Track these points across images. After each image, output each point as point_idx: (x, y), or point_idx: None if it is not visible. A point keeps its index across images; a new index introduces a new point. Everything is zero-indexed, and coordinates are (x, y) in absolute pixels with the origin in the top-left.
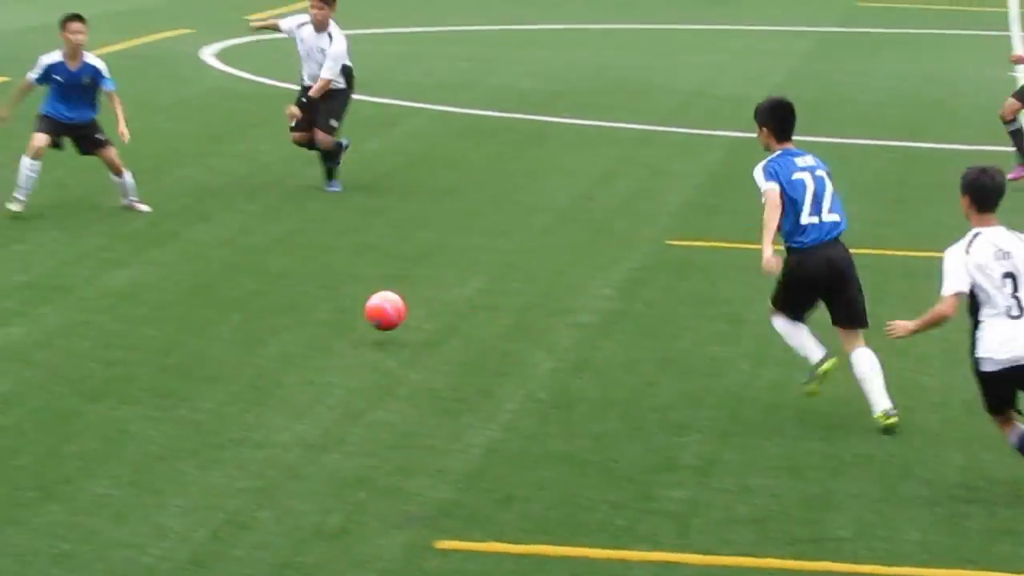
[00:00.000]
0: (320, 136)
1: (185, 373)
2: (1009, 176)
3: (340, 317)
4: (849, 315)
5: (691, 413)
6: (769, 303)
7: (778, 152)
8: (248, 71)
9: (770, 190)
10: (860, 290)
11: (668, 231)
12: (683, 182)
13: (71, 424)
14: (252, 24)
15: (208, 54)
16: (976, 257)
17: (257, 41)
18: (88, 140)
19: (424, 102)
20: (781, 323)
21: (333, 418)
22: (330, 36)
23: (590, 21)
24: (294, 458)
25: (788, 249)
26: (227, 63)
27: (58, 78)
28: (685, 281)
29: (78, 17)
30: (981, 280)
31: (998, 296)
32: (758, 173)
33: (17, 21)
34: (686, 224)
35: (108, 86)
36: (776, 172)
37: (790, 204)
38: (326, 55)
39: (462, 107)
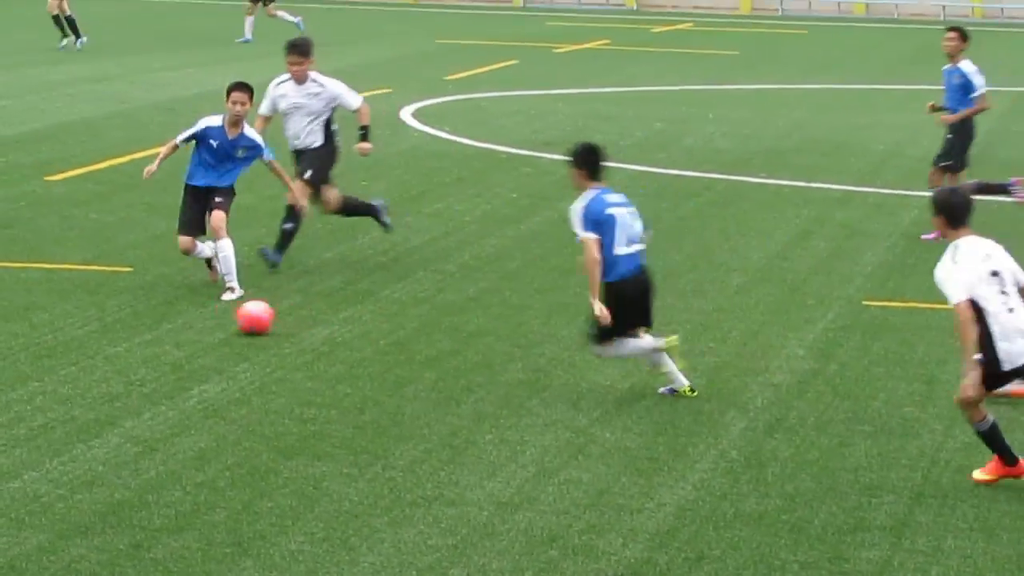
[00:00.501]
0: (297, 186)
1: (380, 430)
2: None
3: (534, 376)
4: (649, 320)
5: (884, 474)
6: (594, 344)
7: (591, 191)
8: (445, 130)
9: (588, 239)
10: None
11: (863, 291)
12: (878, 242)
13: (266, 480)
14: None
15: (406, 113)
16: None
17: (455, 100)
18: (213, 201)
19: (619, 162)
20: (613, 348)
21: (526, 476)
22: (316, 82)
23: (785, 81)
24: (487, 516)
25: (607, 284)
26: (425, 122)
27: (213, 142)
28: (879, 341)
29: (241, 87)
30: None
31: None
32: (576, 217)
33: (219, 81)
34: (881, 284)
35: (267, 156)
36: (593, 218)
37: (604, 239)
38: (321, 98)
39: (657, 167)
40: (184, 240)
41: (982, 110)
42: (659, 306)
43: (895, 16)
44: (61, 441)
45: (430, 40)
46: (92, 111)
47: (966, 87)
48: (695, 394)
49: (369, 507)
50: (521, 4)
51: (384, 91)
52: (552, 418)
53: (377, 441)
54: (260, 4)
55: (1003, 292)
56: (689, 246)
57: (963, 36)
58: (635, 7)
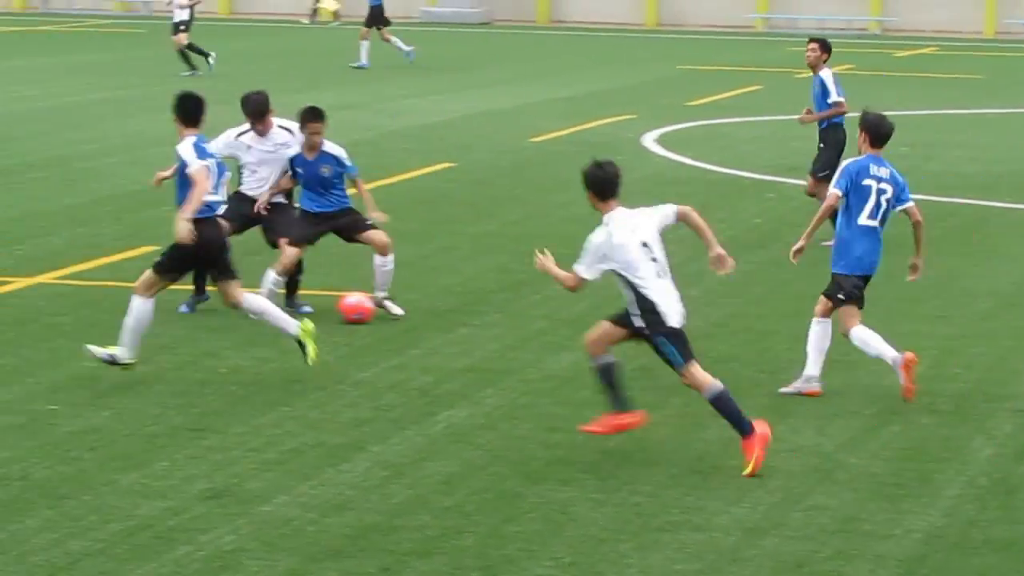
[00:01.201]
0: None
1: (626, 456)
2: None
3: (780, 402)
4: (232, 271)
5: None
6: (155, 273)
7: (192, 137)
8: (688, 156)
9: (204, 166)
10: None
11: None
12: None
13: (513, 505)
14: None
15: (650, 139)
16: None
17: (697, 126)
18: (349, 228)
19: None
20: (258, 301)
21: (773, 502)
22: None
23: None
24: (733, 541)
25: (193, 220)
26: (668, 148)
27: (299, 170)
28: None
29: (317, 117)
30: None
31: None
32: (188, 150)
33: (464, 108)
34: None
35: (352, 172)
36: (203, 153)
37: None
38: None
39: None
40: (291, 252)
41: (837, 114)
42: (904, 331)
43: None
44: (311, 465)
45: (671, 66)
46: (337, 139)
47: (826, 93)
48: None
49: (616, 532)
50: (763, 29)
51: (627, 117)
52: (798, 444)
53: (623, 466)
54: (374, 28)
55: (653, 260)
56: (935, 271)
57: (824, 47)
58: (878, 31)
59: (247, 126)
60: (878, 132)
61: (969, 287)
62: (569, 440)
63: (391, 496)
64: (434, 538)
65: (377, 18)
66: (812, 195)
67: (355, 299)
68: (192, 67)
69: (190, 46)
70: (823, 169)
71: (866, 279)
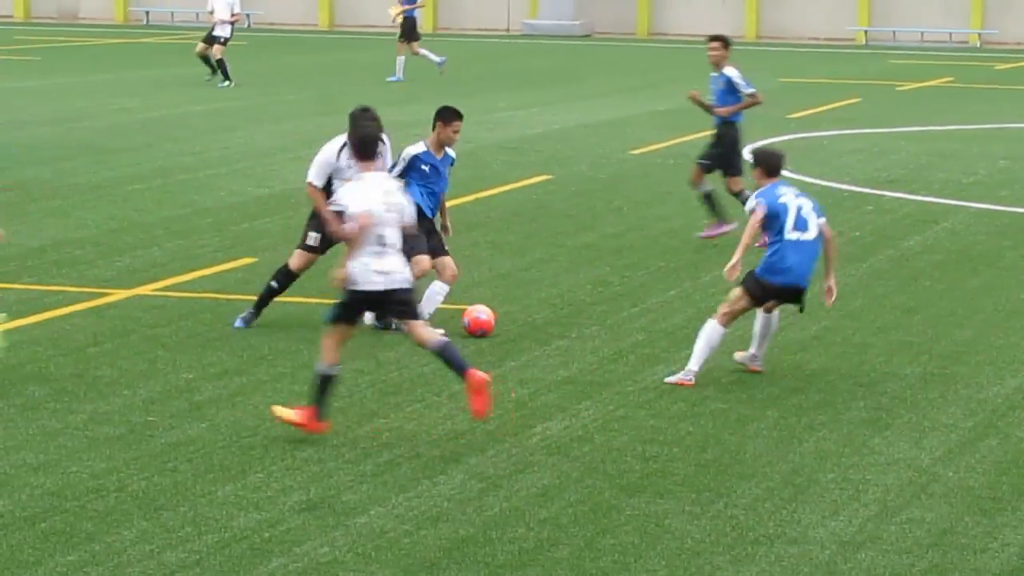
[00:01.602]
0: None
1: (722, 468)
2: (701, 235)
3: (876, 414)
4: None
5: None
6: None
7: None
8: (788, 168)
9: None
10: None
11: None
12: None
13: (609, 517)
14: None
15: (749, 152)
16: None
17: (799, 138)
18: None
19: (963, 200)
20: None
21: (868, 515)
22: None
23: None
24: (829, 555)
25: None
26: None
27: (425, 167)
28: None
29: (461, 115)
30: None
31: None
32: None
33: (563, 120)
34: None
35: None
36: None
37: None
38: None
39: (1002, 205)
40: (424, 260)
41: (754, 104)
42: (1001, 344)
43: None
44: (407, 477)
45: (774, 79)
46: None
47: (732, 91)
48: None
49: (711, 545)
50: (864, 42)
51: None
52: (894, 457)
53: (719, 479)
54: (408, 43)
55: (380, 235)
56: None
57: (725, 44)
58: (979, 44)
59: (342, 141)
60: (770, 164)
61: None
62: (665, 452)
63: (487, 508)
64: (529, 550)
65: (411, 32)
66: (735, 193)
67: (486, 316)
68: (212, 73)
69: (220, 62)
70: (724, 165)
71: (796, 291)
